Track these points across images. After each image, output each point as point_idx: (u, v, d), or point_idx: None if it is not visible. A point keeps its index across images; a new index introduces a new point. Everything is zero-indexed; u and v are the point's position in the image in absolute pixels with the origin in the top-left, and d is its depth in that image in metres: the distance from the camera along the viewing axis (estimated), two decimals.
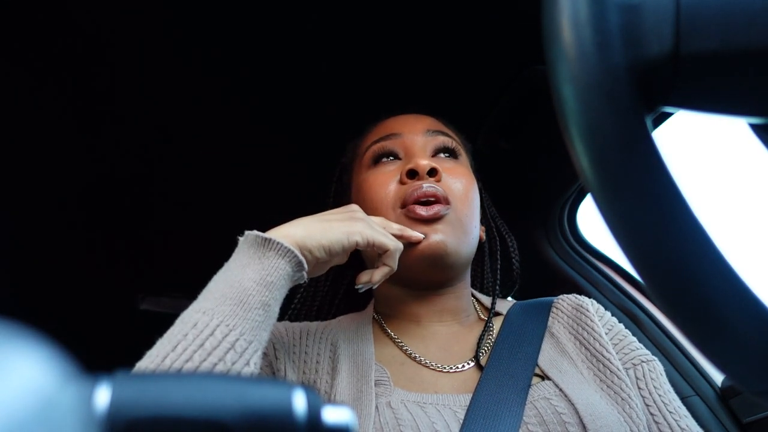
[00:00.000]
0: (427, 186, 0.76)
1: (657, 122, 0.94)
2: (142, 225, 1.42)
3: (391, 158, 0.84)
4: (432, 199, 0.76)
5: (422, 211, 0.75)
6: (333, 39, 0.95)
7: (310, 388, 0.27)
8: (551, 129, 1.10)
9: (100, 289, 1.65)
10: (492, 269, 0.94)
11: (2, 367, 0.17)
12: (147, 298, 1.69)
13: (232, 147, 1.20)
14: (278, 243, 0.63)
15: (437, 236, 0.75)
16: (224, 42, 0.95)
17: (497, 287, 0.89)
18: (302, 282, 0.67)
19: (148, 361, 0.56)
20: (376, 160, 0.84)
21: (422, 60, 1.00)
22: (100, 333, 1.75)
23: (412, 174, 0.78)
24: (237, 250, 0.65)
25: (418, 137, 0.84)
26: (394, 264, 0.72)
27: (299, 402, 0.26)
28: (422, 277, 0.79)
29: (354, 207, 0.74)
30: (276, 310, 0.63)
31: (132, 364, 0.57)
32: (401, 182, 0.79)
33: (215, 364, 0.55)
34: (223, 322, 0.58)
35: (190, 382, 0.25)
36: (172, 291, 1.67)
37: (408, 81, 1.04)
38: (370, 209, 0.79)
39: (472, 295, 0.89)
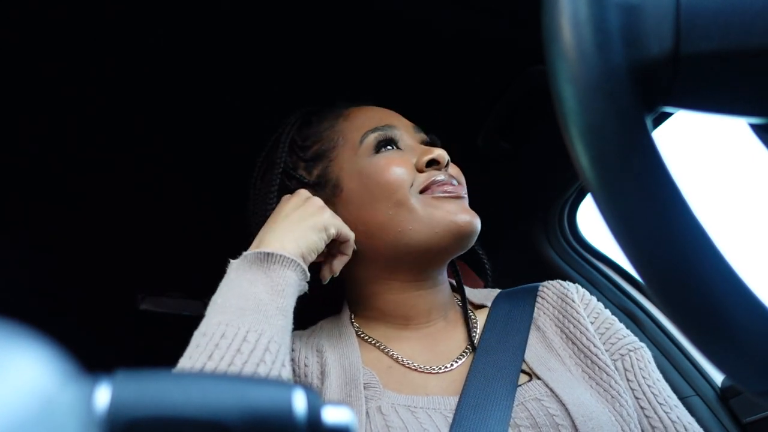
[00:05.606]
0: (449, 177, 0.79)
1: (657, 122, 0.94)
2: (142, 225, 1.41)
3: (391, 147, 0.82)
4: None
5: (450, 188, 0.77)
6: (333, 37, 0.95)
7: (310, 388, 0.27)
8: (551, 129, 1.10)
9: (100, 289, 1.65)
10: (476, 260, 0.95)
11: (3, 368, 0.17)
12: (147, 298, 1.70)
13: (231, 146, 1.19)
14: (281, 255, 0.65)
15: (468, 216, 0.76)
16: (229, 43, 0.95)
17: (488, 277, 0.93)
18: (305, 292, 0.69)
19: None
20: (378, 148, 0.82)
21: (423, 60, 1.00)
22: (100, 333, 1.75)
23: (432, 163, 0.79)
24: (237, 268, 0.66)
25: (411, 132, 0.85)
26: (350, 251, 0.76)
27: (299, 402, 0.26)
28: (440, 253, 0.77)
29: (304, 192, 0.77)
30: (291, 317, 0.65)
31: (132, 365, 0.57)
32: (419, 170, 0.79)
33: (257, 365, 0.57)
34: (251, 329, 0.60)
35: (190, 382, 0.25)
36: (172, 291, 1.67)
37: (409, 81, 1.04)
38: (385, 192, 0.76)
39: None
